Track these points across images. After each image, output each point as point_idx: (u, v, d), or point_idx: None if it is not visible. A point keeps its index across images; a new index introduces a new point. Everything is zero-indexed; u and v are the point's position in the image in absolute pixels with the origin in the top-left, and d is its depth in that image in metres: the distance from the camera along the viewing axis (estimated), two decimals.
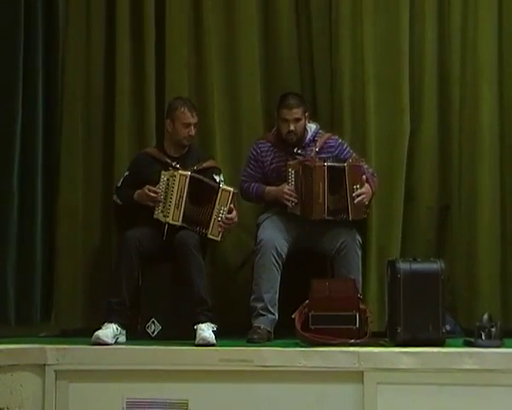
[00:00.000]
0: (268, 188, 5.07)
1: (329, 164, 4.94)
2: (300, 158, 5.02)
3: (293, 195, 4.93)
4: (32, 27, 5.30)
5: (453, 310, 5.07)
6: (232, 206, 4.95)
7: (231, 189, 4.97)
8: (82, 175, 5.40)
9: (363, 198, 4.93)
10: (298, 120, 5.02)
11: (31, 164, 5.26)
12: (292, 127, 5.01)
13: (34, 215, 5.24)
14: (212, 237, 4.93)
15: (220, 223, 4.91)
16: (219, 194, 4.92)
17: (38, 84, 5.30)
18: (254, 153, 5.15)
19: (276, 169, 5.10)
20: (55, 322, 5.28)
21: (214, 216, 4.91)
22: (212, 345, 4.52)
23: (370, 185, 4.98)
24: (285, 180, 4.99)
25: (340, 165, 4.95)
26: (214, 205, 4.91)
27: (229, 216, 4.92)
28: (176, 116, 5.03)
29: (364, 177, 4.96)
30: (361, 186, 4.93)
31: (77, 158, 5.39)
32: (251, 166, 5.15)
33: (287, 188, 4.95)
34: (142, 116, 5.42)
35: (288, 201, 4.94)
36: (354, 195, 4.91)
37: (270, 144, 5.14)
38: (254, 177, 5.13)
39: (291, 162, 5.00)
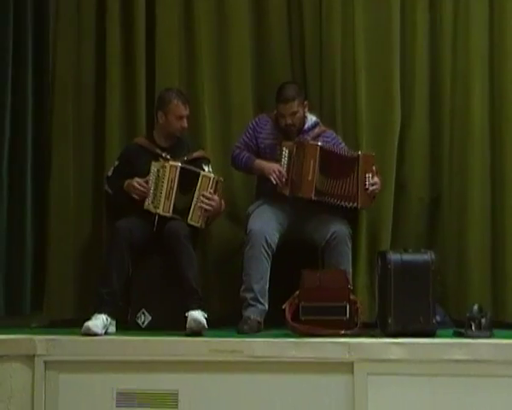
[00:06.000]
0: (258, 160, 5.06)
1: (323, 145, 4.95)
2: (296, 140, 5.02)
3: (282, 175, 4.92)
4: (21, 14, 5.28)
5: (443, 301, 5.07)
6: (211, 191, 4.92)
7: (212, 175, 4.96)
8: (73, 164, 5.38)
9: (376, 188, 4.95)
10: (294, 113, 5.02)
11: (20, 152, 5.25)
12: (289, 121, 5.02)
13: (24, 205, 5.24)
14: (192, 223, 4.91)
15: (200, 208, 4.89)
16: (200, 179, 4.91)
17: (28, 71, 5.29)
18: (254, 123, 5.16)
19: (270, 146, 5.09)
20: (46, 312, 5.27)
21: (194, 202, 4.90)
22: (204, 328, 4.53)
23: (379, 177, 5.00)
24: (278, 158, 4.98)
25: (345, 152, 4.98)
26: (195, 191, 4.90)
27: (208, 195, 4.90)
28: (169, 109, 5.01)
29: (375, 168, 4.97)
30: (373, 176, 4.94)
31: (67, 147, 5.38)
32: (247, 134, 5.14)
33: (276, 167, 4.94)
34: (133, 106, 5.40)
35: (275, 179, 4.92)
36: (368, 184, 4.91)
37: (270, 120, 5.13)
38: (248, 145, 5.12)
39: (286, 142, 5.00)
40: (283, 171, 4.94)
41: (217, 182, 4.96)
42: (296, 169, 4.94)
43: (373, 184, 4.94)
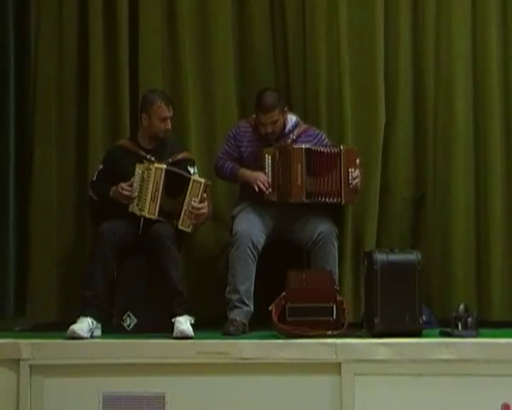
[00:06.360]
0: (242, 170, 5.04)
1: (307, 147, 4.94)
2: (276, 145, 5.00)
3: (268, 183, 4.91)
4: (2, 12, 5.22)
5: (428, 300, 5.07)
6: (205, 196, 4.91)
7: (203, 180, 4.95)
8: (55, 165, 5.36)
9: (358, 182, 4.94)
10: (275, 121, 4.99)
11: (2, 153, 5.19)
12: (270, 130, 5.00)
13: (6, 207, 5.19)
14: (182, 228, 4.91)
15: (191, 214, 4.88)
16: (190, 185, 4.90)
17: (10, 71, 5.24)
18: (234, 131, 5.13)
19: (253, 153, 5.07)
20: (30, 316, 5.23)
21: (185, 207, 4.88)
22: (190, 338, 4.50)
23: (360, 170, 5.00)
24: (262, 165, 4.97)
25: (327, 149, 4.95)
26: (185, 196, 4.88)
27: (199, 206, 4.89)
28: (152, 110, 4.98)
29: (358, 161, 4.96)
30: (354, 170, 4.94)
31: (50, 147, 5.35)
32: (229, 143, 5.12)
33: (262, 176, 4.93)
34: (116, 107, 5.37)
35: (260, 188, 4.91)
36: (350, 178, 4.91)
37: (250, 127, 5.11)
38: (231, 155, 5.10)
39: (267, 149, 4.98)
40: (268, 179, 4.93)
41: (206, 186, 4.93)
42: (282, 175, 4.93)
43: (354, 178, 4.94)
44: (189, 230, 4.93)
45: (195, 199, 4.89)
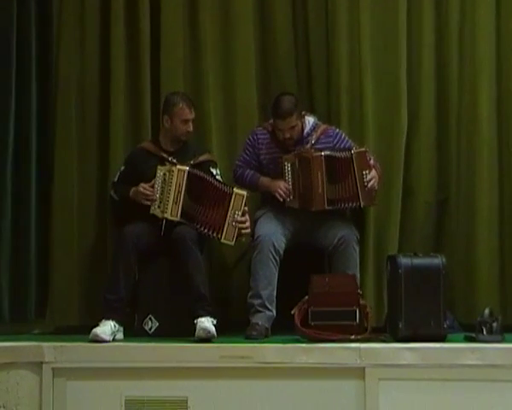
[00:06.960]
0: (262, 178, 5.02)
1: (327, 153, 4.91)
2: (296, 151, 4.98)
3: (289, 191, 4.90)
4: (24, 15, 5.24)
5: (451, 305, 5.03)
6: (246, 209, 4.86)
7: (245, 192, 4.88)
8: (77, 168, 5.36)
9: (374, 183, 4.90)
10: (293, 127, 4.96)
11: (25, 157, 5.20)
12: (287, 135, 4.97)
13: (28, 210, 5.19)
14: (225, 241, 4.85)
15: (234, 228, 4.84)
16: (233, 198, 4.85)
17: (32, 73, 5.24)
18: (252, 139, 5.10)
19: (272, 160, 5.04)
20: (50, 319, 5.23)
21: (228, 221, 4.84)
22: (213, 336, 4.49)
23: (376, 170, 4.96)
24: (281, 173, 4.95)
25: (341, 154, 4.91)
26: (228, 209, 4.83)
27: (242, 219, 4.83)
28: (174, 112, 4.97)
29: (372, 162, 4.94)
30: (369, 172, 4.90)
31: (71, 151, 5.36)
32: (247, 151, 5.10)
33: (283, 185, 4.91)
34: (137, 109, 5.38)
35: (282, 197, 4.90)
36: (365, 181, 4.88)
37: (267, 134, 5.08)
38: (250, 163, 5.08)
39: (286, 156, 4.96)
40: (289, 186, 4.91)
41: (247, 198, 4.87)
42: (303, 182, 4.91)
43: (370, 180, 4.91)
44: (232, 243, 4.86)
45: (238, 212, 4.83)
